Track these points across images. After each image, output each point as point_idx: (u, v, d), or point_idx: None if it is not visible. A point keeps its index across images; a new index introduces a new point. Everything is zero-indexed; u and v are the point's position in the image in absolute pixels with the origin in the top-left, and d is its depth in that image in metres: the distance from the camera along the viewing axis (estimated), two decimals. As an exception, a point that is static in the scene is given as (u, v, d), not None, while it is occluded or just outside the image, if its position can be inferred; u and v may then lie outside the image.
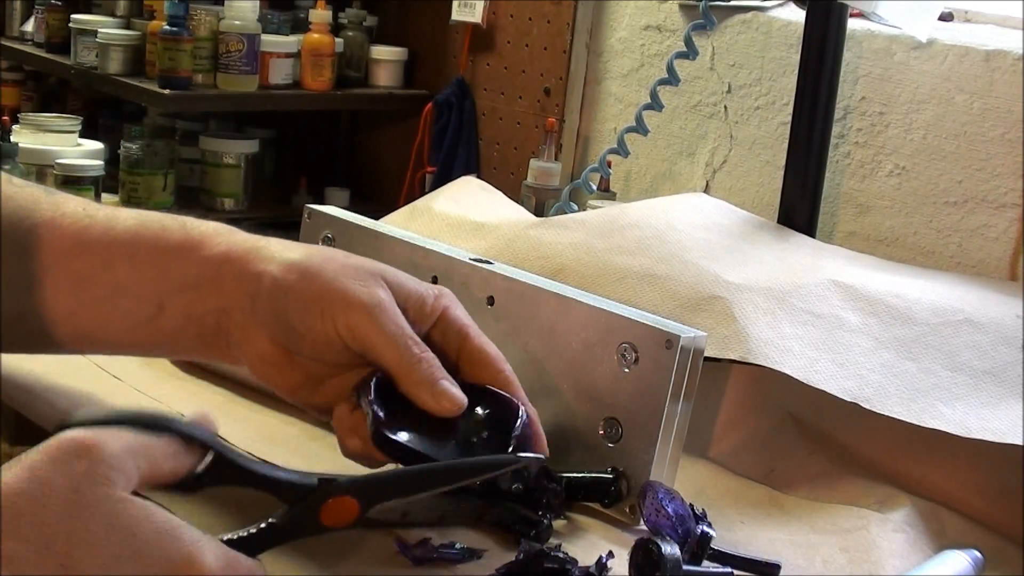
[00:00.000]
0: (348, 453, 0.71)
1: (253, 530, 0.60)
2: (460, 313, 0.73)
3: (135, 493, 0.54)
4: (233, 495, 0.61)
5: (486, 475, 0.68)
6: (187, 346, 0.74)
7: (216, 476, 0.59)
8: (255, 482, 0.61)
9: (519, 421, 0.70)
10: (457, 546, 0.68)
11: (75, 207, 0.73)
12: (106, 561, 0.50)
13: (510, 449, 0.69)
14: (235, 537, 0.59)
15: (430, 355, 0.69)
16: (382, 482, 0.64)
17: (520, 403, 0.71)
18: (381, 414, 0.67)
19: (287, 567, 0.65)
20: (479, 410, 0.70)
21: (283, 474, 0.62)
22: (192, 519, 0.55)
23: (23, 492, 0.50)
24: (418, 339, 0.70)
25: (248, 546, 0.58)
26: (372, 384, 0.69)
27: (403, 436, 0.67)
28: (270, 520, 0.61)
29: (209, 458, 0.59)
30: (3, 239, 0.71)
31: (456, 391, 0.69)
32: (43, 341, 0.74)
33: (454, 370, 0.72)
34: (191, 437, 0.57)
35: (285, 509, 0.61)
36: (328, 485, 0.62)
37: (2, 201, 0.72)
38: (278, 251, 0.71)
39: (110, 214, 0.73)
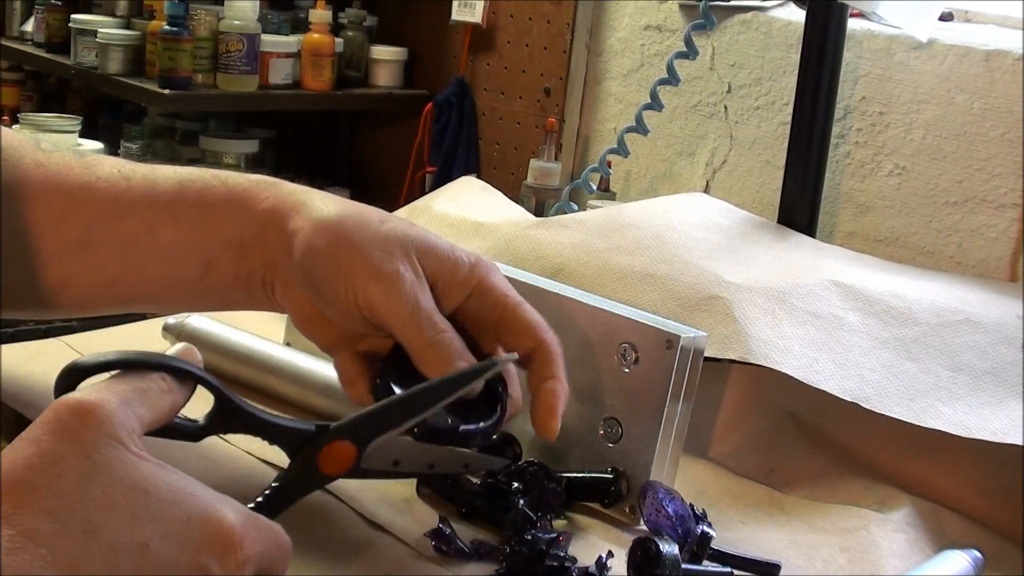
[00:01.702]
0: (354, 399, 0.71)
1: (260, 499, 0.61)
2: (498, 281, 0.72)
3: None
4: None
5: (467, 385, 0.66)
6: (236, 300, 0.75)
7: (219, 423, 0.60)
8: (256, 428, 0.61)
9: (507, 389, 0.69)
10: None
11: (110, 169, 0.73)
12: (127, 521, 0.50)
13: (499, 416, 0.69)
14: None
15: (445, 336, 0.68)
16: (372, 416, 0.64)
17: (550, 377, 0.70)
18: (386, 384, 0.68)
19: (290, 567, 0.65)
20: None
21: (282, 420, 0.62)
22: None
23: (35, 466, 0.50)
24: (436, 318, 0.68)
25: (260, 512, 0.59)
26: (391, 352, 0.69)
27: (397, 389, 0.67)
28: (273, 484, 0.61)
29: (212, 406, 0.60)
30: (38, 207, 0.71)
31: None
32: (98, 302, 0.74)
33: (493, 339, 0.71)
34: (180, 370, 0.57)
35: (286, 466, 0.62)
36: (324, 430, 0.63)
37: (35, 169, 0.72)
38: (316, 207, 0.71)
39: (147, 174, 0.73)
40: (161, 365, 0.57)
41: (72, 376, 0.56)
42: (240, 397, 0.61)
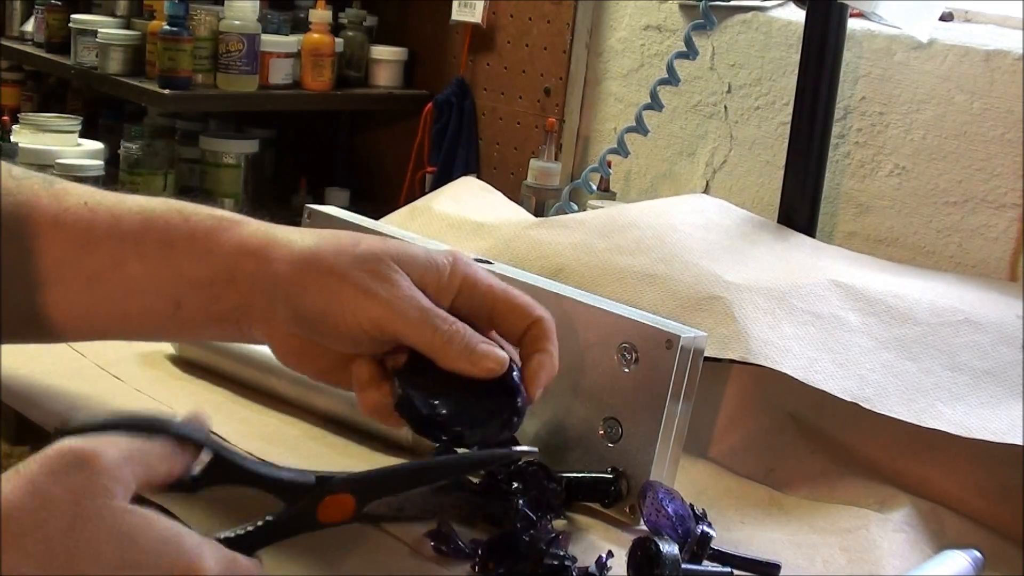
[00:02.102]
0: (366, 410, 0.71)
1: (251, 527, 0.60)
2: (479, 274, 0.72)
3: (136, 500, 0.54)
4: (232, 496, 0.61)
5: (478, 470, 0.68)
6: (210, 335, 0.75)
7: (214, 476, 0.59)
8: (253, 481, 0.61)
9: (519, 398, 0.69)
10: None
11: (76, 200, 0.73)
12: (110, 571, 0.51)
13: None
14: (232, 535, 0.59)
15: (458, 326, 0.69)
16: (378, 478, 0.64)
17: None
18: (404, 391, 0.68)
19: (287, 566, 0.65)
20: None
21: (280, 473, 0.62)
22: (191, 520, 0.55)
23: (24, 507, 0.50)
24: (443, 314, 0.69)
25: (246, 544, 0.59)
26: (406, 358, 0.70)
27: (420, 402, 0.68)
28: (267, 518, 0.61)
29: (207, 458, 0.59)
30: (14, 237, 0.71)
31: (494, 349, 0.69)
32: (55, 336, 0.74)
33: (488, 328, 0.72)
34: (185, 438, 0.58)
35: (283, 508, 0.61)
36: (325, 483, 0.62)
37: (7, 196, 0.71)
38: (287, 244, 0.71)
39: (112, 207, 0.73)
40: (166, 431, 0.57)
41: (75, 434, 0.56)
42: (237, 452, 0.61)
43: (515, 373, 0.69)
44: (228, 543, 0.57)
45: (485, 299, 0.72)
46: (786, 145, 1.26)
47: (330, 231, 0.73)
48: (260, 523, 0.61)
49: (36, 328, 0.73)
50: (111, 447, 0.54)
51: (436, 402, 0.68)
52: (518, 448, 0.69)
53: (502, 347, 0.70)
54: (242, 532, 0.60)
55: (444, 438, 0.69)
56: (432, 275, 0.71)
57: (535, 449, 0.70)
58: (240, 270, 0.70)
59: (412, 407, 0.68)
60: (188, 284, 0.71)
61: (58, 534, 0.50)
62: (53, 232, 0.71)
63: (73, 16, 2.33)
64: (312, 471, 0.63)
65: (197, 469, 0.60)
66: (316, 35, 2.20)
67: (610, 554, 0.69)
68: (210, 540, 0.55)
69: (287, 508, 0.61)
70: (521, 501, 0.71)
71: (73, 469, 0.52)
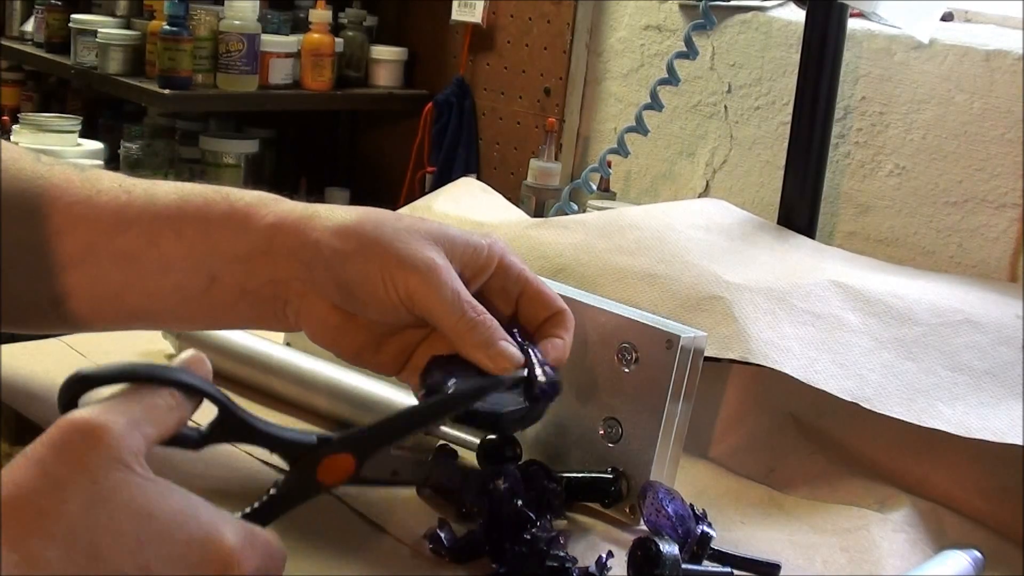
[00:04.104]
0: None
1: (256, 504, 0.61)
2: (515, 259, 0.74)
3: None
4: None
5: (466, 404, 0.68)
6: (243, 317, 0.74)
7: (221, 433, 0.60)
8: (257, 439, 0.61)
9: (539, 369, 0.70)
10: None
11: (110, 183, 0.73)
12: (131, 546, 0.50)
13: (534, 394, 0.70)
14: (243, 513, 0.60)
15: (486, 317, 0.70)
16: (374, 432, 0.65)
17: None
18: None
19: (286, 567, 0.65)
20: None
21: (284, 432, 0.62)
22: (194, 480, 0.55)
23: (40, 490, 0.50)
24: (474, 302, 0.70)
25: (257, 518, 0.59)
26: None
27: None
28: (271, 491, 0.61)
29: (215, 415, 0.59)
30: (40, 222, 0.71)
31: (512, 350, 0.70)
32: (99, 318, 0.74)
33: (513, 315, 0.73)
34: (189, 386, 0.57)
35: (284, 475, 0.62)
36: (325, 442, 0.63)
37: (36, 181, 0.72)
38: (328, 216, 0.71)
39: (148, 188, 0.73)
40: (169, 380, 0.56)
41: (76, 386, 0.56)
42: (242, 408, 0.61)
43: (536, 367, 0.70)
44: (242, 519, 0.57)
45: (516, 284, 0.73)
46: (786, 145, 1.26)
47: (368, 208, 0.74)
48: (264, 498, 0.61)
49: (56, 315, 0.73)
50: (117, 414, 0.53)
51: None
52: (505, 377, 0.69)
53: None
54: (248, 510, 0.60)
55: (478, 423, 0.70)
56: (469, 254, 0.72)
57: (522, 373, 0.69)
58: (278, 243, 0.71)
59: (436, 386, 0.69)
60: (224, 259, 0.71)
61: (80, 512, 0.50)
62: (86, 213, 0.71)
63: (73, 16, 2.33)
64: (313, 432, 0.63)
65: (204, 425, 0.60)
66: (316, 35, 2.20)
67: (610, 554, 0.69)
68: (227, 513, 0.55)
69: (288, 473, 0.62)
70: (521, 501, 0.71)
71: (82, 447, 0.51)
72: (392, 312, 0.70)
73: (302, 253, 0.71)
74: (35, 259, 0.71)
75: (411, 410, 0.67)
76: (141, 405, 0.55)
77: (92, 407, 0.53)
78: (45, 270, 0.71)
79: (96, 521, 0.50)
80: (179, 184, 0.74)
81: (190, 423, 0.59)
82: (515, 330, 0.72)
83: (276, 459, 0.63)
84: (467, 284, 0.71)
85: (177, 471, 0.55)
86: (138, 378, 0.56)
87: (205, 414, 0.60)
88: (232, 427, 0.60)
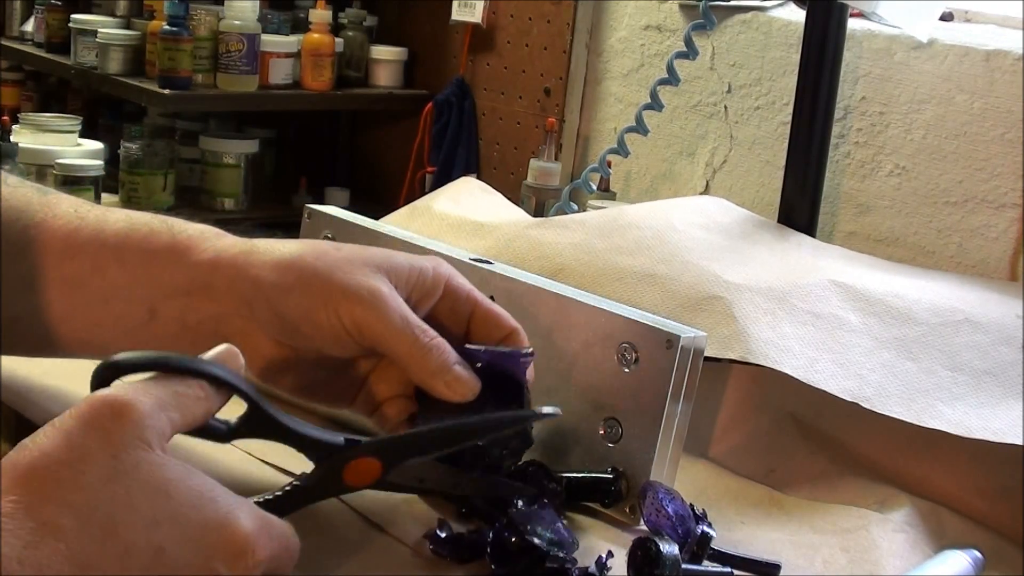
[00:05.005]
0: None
1: (279, 492, 0.61)
2: (462, 280, 0.73)
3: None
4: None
5: (501, 431, 0.68)
6: (185, 351, 0.73)
7: (249, 428, 0.60)
8: (285, 436, 0.61)
9: (526, 384, 0.71)
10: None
11: (67, 208, 0.73)
12: (146, 524, 0.51)
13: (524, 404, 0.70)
14: (262, 500, 0.60)
15: (438, 341, 0.69)
16: (404, 442, 0.65)
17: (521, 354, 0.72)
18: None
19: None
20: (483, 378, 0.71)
21: (312, 431, 0.62)
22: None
23: (63, 460, 0.50)
24: (424, 326, 0.69)
25: (276, 507, 0.59)
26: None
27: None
28: (295, 482, 0.62)
29: (244, 410, 0.60)
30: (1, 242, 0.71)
31: (469, 375, 0.69)
32: (44, 344, 0.73)
33: (463, 336, 0.73)
34: (219, 379, 0.58)
35: (311, 470, 0.62)
36: (353, 445, 0.63)
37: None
38: (267, 251, 0.71)
39: (100, 215, 0.73)
40: (200, 372, 0.57)
41: (109, 371, 0.57)
42: (272, 405, 0.61)
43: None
44: (260, 507, 0.58)
45: (466, 304, 0.73)
46: (786, 145, 1.26)
47: (309, 240, 0.74)
48: (288, 487, 0.61)
49: (33, 334, 0.73)
50: (145, 395, 0.54)
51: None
52: (542, 409, 0.69)
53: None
54: (270, 497, 0.60)
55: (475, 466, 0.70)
56: (415, 279, 0.71)
57: (558, 411, 0.69)
58: (218, 279, 0.70)
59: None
60: (164, 292, 0.70)
61: (99, 484, 0.50)
62: (38, 237, 0.71)
63: (73, 16, 2.33)
64: (341, 433, 0.63)
65: (233, 419, 0.60)
66: (316, 35, 2.20)
67: (610, 554, 0.69)
68: (244, 499, 0.55)
69: (315, 470, 0.62)
70: (521, 501, 0.71)
71: (108, 421, 0.52)
72: (338, 344, 0.69)
73: (242, 289, 0.70)
74: (6, 281, 0.71)
75: (446, 427, 0.67)
76: (169, 391, 0.55)
77: (123, 386, 0.54)
78: (8, 293, 0.71)
79: (113, 495, 0.50)
80: (131, 212, 0.73)
81: (219, 416, 0.60)
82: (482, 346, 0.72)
83: (294, 465, 0.63)
84: (415, 309, 0.70)
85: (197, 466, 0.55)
86: (170, 368, 0.56)
87: (234, 407, 0.61)
88: (260, 422, 0.60)
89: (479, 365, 0.71)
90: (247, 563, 0.52)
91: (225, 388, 0.58)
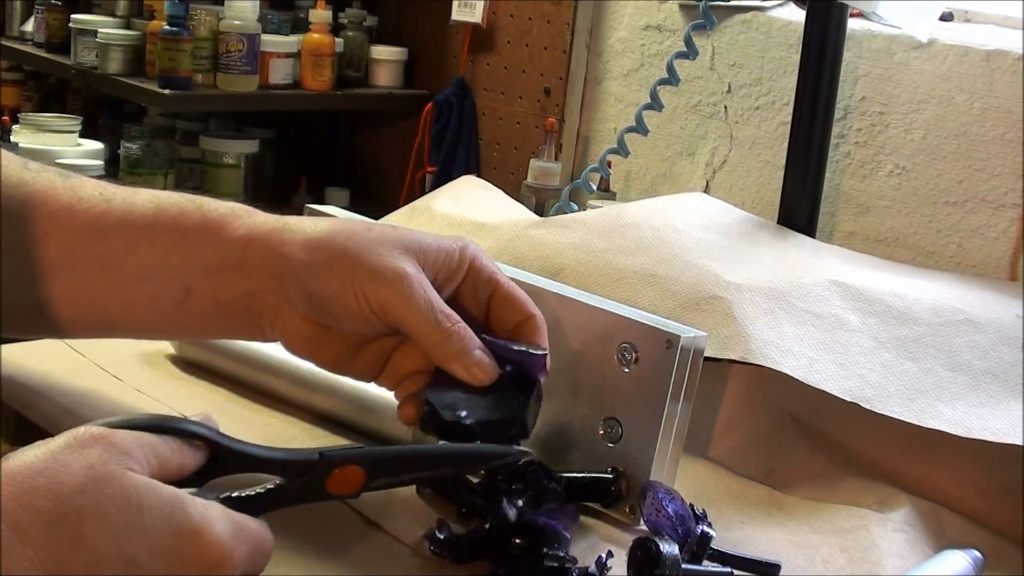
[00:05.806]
0: (403, 420, 0.73)
1: (260, 490, 0.61)
2: (486, 262, 0.74)
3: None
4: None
5: (490, 463, 0.69)
6: (219, 328, 0.74)
7: (217, 468, 0.60)
8: (256, 465, 0.61)
9: (535, 389, 0.71)
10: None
11: (92, 191, 0.73)
12: (116, 534, 0.51)
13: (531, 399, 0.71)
14: (240, 496, 0.60)
15: (460, 327, 0.70)
16: (386, 458, 0.66)
17: (540, 352, 0.72)
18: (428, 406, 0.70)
19: (285, 567, 0.65)
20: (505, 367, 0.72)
21: (283, 454, 0.62)
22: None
23: (39, 469, 0.52)
24: (448, 310, 0.70)
25: (251, 506, 0.59)
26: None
27: (448, 414, 0.70)
28: (277, 482, 0.61)
29: (205, 452, 0.60)
30: (24, 229, 0.71)
31: (488, 361, 0.70)
32: (74, 327, 0.74)
33: (484, 318, 0.73)
34: (192, 434, 0.59)
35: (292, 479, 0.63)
36: (332, 456, 0.63)
37: (20, 188, 0.72)
38: (299, 229, 0.71)
39: (127, 196, 0.73)
40: (172, 429, 0.58)
41: None
42: (237, 440, 0.61)
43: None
44: (234, 503, 0.58)
45: (487, 286, 0.73)
46: (786, 145, 1.26)
47: (341, 219, 0.74)
48: (270, 486, 0.61)
49: (40, 320, 0.73)
50: (126, 434, 0.55)
51: (462, 414, 0.70)
52: (520, 448, 0.70)
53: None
54: (249, 494, 0.60)
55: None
56: (441, 260, 0.72)
57: (533, 454, 0.71)
58: (250, 256, 0.71)
59: (437, 419, 0.70)
60: (198, 270, 0.71)
61: (70, 493, 0.51)
62: (67, 220, 0.71)
63: (73, 16, 2.33)
64: (316, 448, 0.63)
65: (197, 464, 0.60)
66: (316, 35, 2.20)
67: (610, 554, 0.69)
68: (216, 503, 0.56)
69: (296, 483, 0.62)
70: (521, 501, 0.71)
71: (90, 441, 0.53)
72: (365, 323, 0.70)
73: (273, 266, 0.71)
74: (20, 266, 0.71)
75: (433, 450, 0.68)
76: (149, 439, 0.56)
77: (109, 428, 0.56)
78: (30, 277, 0.71)
79: (84, 504, 0.51)
80: (157, 193, 0.74)
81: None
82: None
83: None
84: (440, 290, 0.71)
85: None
86: (145, 429, 0.57)
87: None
88: (225, 459, 0.60)
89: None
90: (224, 571, 0.53)
91: (201, 445, 0.59)
